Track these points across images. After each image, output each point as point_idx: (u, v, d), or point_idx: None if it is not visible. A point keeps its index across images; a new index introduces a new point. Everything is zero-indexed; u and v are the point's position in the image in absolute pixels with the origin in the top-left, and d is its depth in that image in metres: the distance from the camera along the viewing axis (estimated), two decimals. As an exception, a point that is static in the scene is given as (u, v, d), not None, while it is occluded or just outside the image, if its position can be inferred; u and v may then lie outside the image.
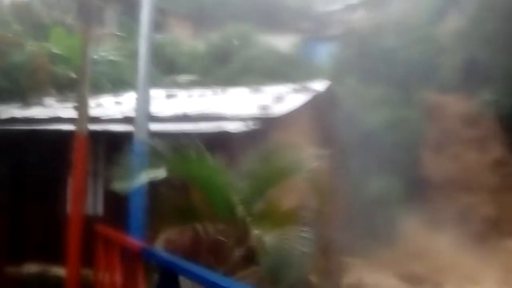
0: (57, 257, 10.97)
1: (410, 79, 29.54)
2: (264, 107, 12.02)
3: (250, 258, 7.62)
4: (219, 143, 9.74)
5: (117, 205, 9.56)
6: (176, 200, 9.09)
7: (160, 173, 8.48)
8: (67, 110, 14.17)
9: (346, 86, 24.52)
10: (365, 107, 24.63)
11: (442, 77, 31.55)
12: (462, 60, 30.95)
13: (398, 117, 25.84)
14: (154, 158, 8.59)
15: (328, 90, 14.96)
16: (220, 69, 29.94)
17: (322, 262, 14.59)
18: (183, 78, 28.27)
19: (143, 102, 9.20)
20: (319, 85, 14.97)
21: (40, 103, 16.80)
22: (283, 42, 35.21)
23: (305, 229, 7.98)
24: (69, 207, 11.10)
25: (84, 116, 10.28)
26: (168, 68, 27.39)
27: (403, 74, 29.20)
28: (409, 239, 23.35)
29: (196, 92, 17.92)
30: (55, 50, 19.48)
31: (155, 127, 9.59)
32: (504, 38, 28.60)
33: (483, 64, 30.14)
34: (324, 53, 34.95)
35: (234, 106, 13.11)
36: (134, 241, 8.05)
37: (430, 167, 27.92)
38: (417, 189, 26.43)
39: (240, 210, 7.85)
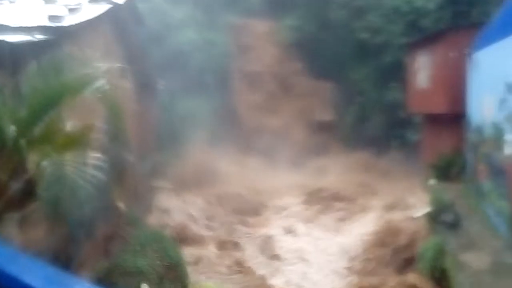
0: None
1: (216, 2, 29.26)
2: (55, 18, 10.53)
3: (30, 191, 6.33)
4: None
5: None
6: None
7: None
8: None
9: (152, 3, 23.25)
10: (171, 27, 23.76)
11: (248, 2, 31.91)
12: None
13: (205, 39, 25.49)
14: None
15: (130, 4, 13.77)
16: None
17: (129, 187, 13.98)
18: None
19: None
20: (120, -2, 13.71)
21: None
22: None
23: (98, 154, 6.97)
24: None
25: None
26: None
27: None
28: (221, 161, 23.80)
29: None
30: None
31: None
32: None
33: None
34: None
35: (20, 16, 11.31)
36: None
37: (238, 91, 28.54)
38: (226, 112, 26.90)
39: (12, 134, 6.19)
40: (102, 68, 7.68)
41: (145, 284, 10.68)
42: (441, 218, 14.61)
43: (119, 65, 12.24)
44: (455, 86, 18.63)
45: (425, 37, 22.31)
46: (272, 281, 14.43)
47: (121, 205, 12.79)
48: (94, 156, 6.94)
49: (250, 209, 20.39)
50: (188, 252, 14.77)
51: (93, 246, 10.64)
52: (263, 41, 31.24)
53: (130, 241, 12.02)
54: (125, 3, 12.91)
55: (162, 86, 18.46)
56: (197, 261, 14.74)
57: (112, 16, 12.56)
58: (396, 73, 26.31)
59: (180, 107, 22.85)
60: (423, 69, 22.13)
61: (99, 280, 10.03)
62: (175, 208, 17.86)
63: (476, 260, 11.87)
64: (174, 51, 23.14)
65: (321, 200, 21.68)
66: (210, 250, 15.86)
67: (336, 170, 25.30)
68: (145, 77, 15.89)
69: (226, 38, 28.10)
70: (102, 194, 10.02)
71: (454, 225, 14.15)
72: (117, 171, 10.73)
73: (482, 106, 15.54)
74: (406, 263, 14.17)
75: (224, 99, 26.76)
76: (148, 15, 19.27)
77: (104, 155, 7.14)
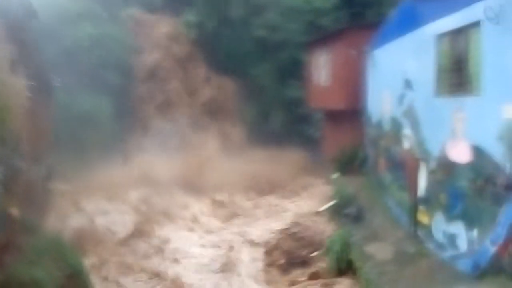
0: None
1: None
2: None
3: None
4: None
5: None
6: None
7: None
8: None
9: (44, -3, 21.83)
10: (68, 21, 22.46)
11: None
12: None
13: (103, 33, 24.37)
14: None
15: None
16: None
17: (23, 192, 12.93)
18: None
19: None
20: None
21: None
22: None
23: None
24: None
25: None
26: None
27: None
28: (119, 160, 22.94)
29: None
30: None
31: None
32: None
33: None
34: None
35: None
36: None
37: (138, 86, 27.69)
38: (127, 109, 25.99)
39: None
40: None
41: (43, 296, 9.90)
42: (345, 211, 15.03)
43: (8, 60, 11.30)
44: (353, 83, 19.28)
45: (324, 35, 22.92)
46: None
47: (14, 211, 11.76)
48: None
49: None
50: (90, 259, 13.98)
51: (-16, 258, 9.68)
52: (164, 36, 30.55)
53: (25, 250, 11.09)
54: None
55: (58, 83, 17.33)
56: (100, 268, 13.98)
57: (0, 8, 11.52)
58: (296, 70, 26.90)
59: (78, 106, 21.65)
60: (322, 67, 22.71)
61: (-10, 295, 9.14)
62: (75, 212, 16.88)
63: (380, 250, 12.30)
64: (71, 46, 21.93)
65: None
66: (115, 254, 15.11)
67: (238, 166, 25.26)
68: (38, 74, 14.78)
69: (127, 33, 27.10)
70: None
71: (357, 218, 14.61)
72: (6, 177, 9.85)
73: (381, 102, 16.17)
74: (313, 257, 14.36)
75: (124, 97, 25.78)
76: (42, 8, 18.04)
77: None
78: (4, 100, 6.49)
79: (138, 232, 17.20)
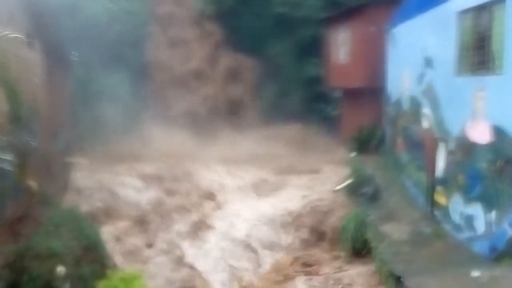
0: None
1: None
2: None
3: None
4: None
5: None
6: None
7: None
8: None
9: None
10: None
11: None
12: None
13: (121, 8, 24.24)
14: None
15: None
16: None
17: (42, 166, 13.06)
18: None
19: None
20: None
21: None
22: None
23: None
24: None
25: None
26: None
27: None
28: (140, 136, 23.03)
29: None
30: None
31: None
32: None
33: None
34: None
35: None
36: None
37: (156, 63, 27.64)
38: (145, 85, 26.02)
39: None
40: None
41: (60, 267, 10.01)
42: (362, 191, 14.91)
43: (24, 35, 11.27)
44: (373, 61, 18.99)
45: (344, 12, 22.52)
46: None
47: (32, 184, 11.89)
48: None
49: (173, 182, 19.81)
50: (108, 231, 14.12)
51: (2, 228, 9.79)
52: (182, 12, 30.37)
53: (42, 221, 11.23)
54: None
55: (75, 57, 17.34)
56: (118, 241, 14.11)
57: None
58: (315, 48, 26.50)
59: (96, 81, 21.69)
60: (341, 44, 22.39)
61: (8, 265, 9.28)
62: (93, 186, 16.98)
63: (395, 230, 12.22)
64: (89, 21, 21.83)
65: (244, 173, 21.43)
66: (132, 229, 15.21)
67: (255, 144, 25.22)
68: (55, 49, 14.78)
69: (144, 8, 26.94)
70: (7, 174, 9.24)
71: (374, 197, 14.50)
72: (21, 152, 9.91)
73: (401, 81, 15.90)
74: (329, 235, 14.31)
75: (142, 72, 25.77)
76: (60, -18, 18.02)
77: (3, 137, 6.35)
78: (11, 78, 6.42)
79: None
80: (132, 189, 17.89)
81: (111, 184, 17.66)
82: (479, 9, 10.28)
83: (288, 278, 12.78)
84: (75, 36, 19.37)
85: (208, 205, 17.69)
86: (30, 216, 11.23)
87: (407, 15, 15.22)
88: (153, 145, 22.27)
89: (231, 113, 28.63)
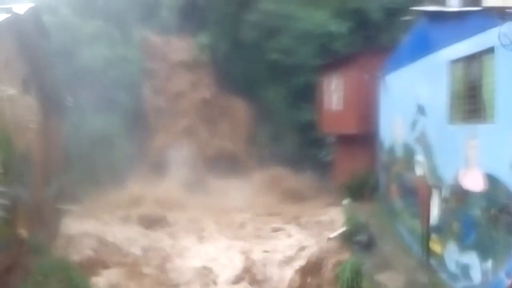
0: None
1: (129, 16, 28.48)
2: None
3: None
4: None
5: None
6: None
7: None
8: None
9: (59, 17, 22.06)
10: (81, 42, 22.65)
11: (162, 18, 31.43)
12: (181, 1, 31.23)
13: (117, 55, 24.56)
14: None
15: (34, 16, 12.77)
16: None
17: (34, 212, 12.92)
18: None
19: None
20: (22, 8, 12.63)
21: None
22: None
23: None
24: None
25: None
26: None
27: (123, 11, 27.95)
28: (133, 181, 22.93)
29: None
30: None
31: None
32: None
33: (201, 6, 30.94)
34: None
35: None
36: None
37: (151, 107, 27.82)
38: (139, 129, 26.07)
39: None
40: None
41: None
42: (356, 238, 14.76)
43: (20, 80, 11.37)
44: (366, 107, 19.13)
45: (337, 59, 22.85)
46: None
47: (22, 232, 11.73)
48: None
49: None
50: (99, 281, 13.83)
51: (-10, 279, 9.59)
52: (177, 58, 30.78)
53: (32, 271, 11.01)
54: (26, 14, 11.98)
55: (70, 103, 17.43)
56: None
57: (12, 28, 11.61)
58: (308, 94, 26.75)
59: (91, 126, 21.73)
60: (334, 91, 22.62)
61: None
62: (84, 233, 16.75)
63: (391, 280, 12.04)
64: (85, 67, 22.06)
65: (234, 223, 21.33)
66: (125, 277, 14.90)
67: (248, 191, 25.16)
68: (51, 94, 14.87)
69: (140, 55, 27.30)
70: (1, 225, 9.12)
71: (368, 245, 14.34)
72: (13, 202, 9.80)
73: (394, 127, 16.00)
74: (326, 284, 14.09)
75: (137, 117, 25.89)
76: (56, 28, 18.25)
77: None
78: (14, 120, 6.43)
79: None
80: (123, 236, 17.73)
81: (101, 231, 17.47)
82: (470, 58, 10.45)
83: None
84: (71, 81, 19.55)
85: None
86: (19, 265, 11.03)
87: (400, 63, 15.46)
88: (145, 192, 22.14)
89: (224, 157, 28.64)
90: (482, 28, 9.60)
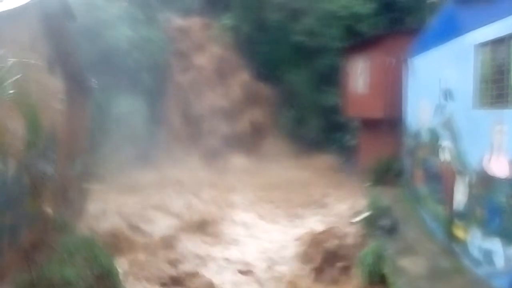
0: None
1: (153, -1, 28.52)
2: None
3: None
4: None
5: None
6: None
7: None
8: None
9: (83, -2, 22.17)
10: (106, 23, 22.74)
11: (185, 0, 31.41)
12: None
13: (141, 36, 24.61)
14: None
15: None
16: None
17: (59, 191, 13.12)
18: None
19: None
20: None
21: None
22: None
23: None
24: None
25: None
26: None
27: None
28: (155, 163, 23.15)
29: None
30: None
31: None
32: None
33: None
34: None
35: None
36: None
37: (173, 89, 27.92)
38: (161, 111, 26.22)
39: None
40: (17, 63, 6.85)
41: (73, 296, 9.95)
42: (379, 223, 14.67)
43: (46, 61, 11.47)
44: (391, 91, 18.90)
45: (362, 41, 22.57)
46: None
47: (47, 210, 11.92)
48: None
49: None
50: (122, 259, 14.01)
51: (16, 256, 9.79)
52: (201, 39, 30.77)
53: (57, 249, 11.20)
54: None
55: (95, 84, 17.58)
56: (132, 269, 13.97)
57: (38, 9, 11.70)
58: (333, 77, 26.55)
59: (115, 107, 21.92)
60: (360, 74, 22.37)
61: (20, 295, 9.23)
62: (109, 212, 16.99)
63: (414, 265, 11.93)
64: (109, 48, 22.17)
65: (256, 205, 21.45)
66: (146, 256, 15.07)
67: (273, 172, 25.19)
68: (76, 75, 14.99)
69: (163, 36, 27.33)
70: (24, 200, 9.28)
71: (391, 230, 14.23)
72: (37, 179, 9.95)
73: (419, 112, 15.77)
74: (346, 268, 14.08)
75: (161, 98, 26.03)
76: (81, 9, 18.31)
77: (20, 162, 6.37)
78: (30, 103, 6.51)
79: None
80: (148, 218, 17.94)
81: (127, 212, 17.69)
82: (497, 42, 10.19)
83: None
84: (95, 62, 19.68)
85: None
86: (45, 242, 11.23)
87: (426, 46, 15.17)
88: (170, 172, 22.31)
89: (250, 140, 28.68)
90: (511, 11, 9.34)
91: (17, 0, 10.15)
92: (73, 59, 14.64)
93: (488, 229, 10.35)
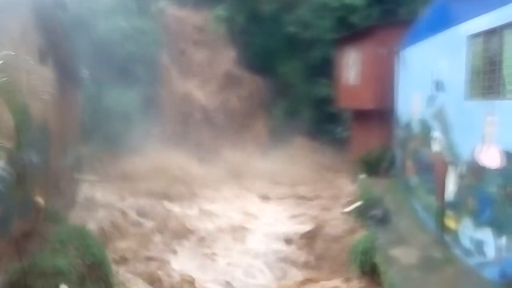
0: None
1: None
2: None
3: None
4: None
5: None
6: None
7: None
8: None
9: (76, -12, 21.96)
10: (97, 14, 22.56)
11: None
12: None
13: (133, 27, 24.43)
14: None
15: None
16: None
17: (51, 182, 13.09)
18: None
19: None
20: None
21: None
22: None
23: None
24: None
25: None
26: None
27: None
28: (147, 154, 23.07)
29: None
30: None
31: None
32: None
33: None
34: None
35: None
36: None
37: (166, 80, 27.77)
38: (153, 103, 26.09)
39: None
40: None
41: (64, 285, 9.93)
42: (371, 213, 14.76)
43: (37, 51, 11.38)
44: (383, 82, 18.96)
45: (354, 33, 22.57)
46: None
47: (39, 200, 11.88)
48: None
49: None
50: (114, 249, 14.03)
51: (7, 245, 9.76)
52: (194, 30, 30.63)
53: (49, 238, 11.18)
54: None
55: (86, 75, 17.48)
56: (123, 259, 13.99)
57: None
58: (325, 68, 26.55)
59: (107, 97, 21.80)
60: (352, 65, 22.40)
61: (11, 284, 9.20)
62: (101, 202, 16.99)
63: (405, 255, 12.04)
64: (102, 39, 22.00)
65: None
66: (139, 246, 15.10)
67: (267, 164, 25.21)
68: (67, 66, 14.90)
69: (156, 27, 27.16)
70: (15, 189, 9.24)
71: (383, 220, 14.33)
72: (25, 168, 9.90)
73: (411, 103, 15.84)
74: (337, 257, 14.16)
75: (153, 89, 25.90)
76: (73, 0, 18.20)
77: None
78: (15, 95, 6.44)
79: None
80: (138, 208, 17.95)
81: (117, 201, 17.70)
82: (490, 33, 10.23)
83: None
84: (88, 53, 19.54)
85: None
86: (36, 232, 11.20)
87: (418, 37, 15.21)
88: (162, 163, 22.27)
89: (242, 131, 28.67)
90: (503, 2, 9.37)
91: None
92: (65, 50, 14.54)
93: (479, 219, 10.45)
